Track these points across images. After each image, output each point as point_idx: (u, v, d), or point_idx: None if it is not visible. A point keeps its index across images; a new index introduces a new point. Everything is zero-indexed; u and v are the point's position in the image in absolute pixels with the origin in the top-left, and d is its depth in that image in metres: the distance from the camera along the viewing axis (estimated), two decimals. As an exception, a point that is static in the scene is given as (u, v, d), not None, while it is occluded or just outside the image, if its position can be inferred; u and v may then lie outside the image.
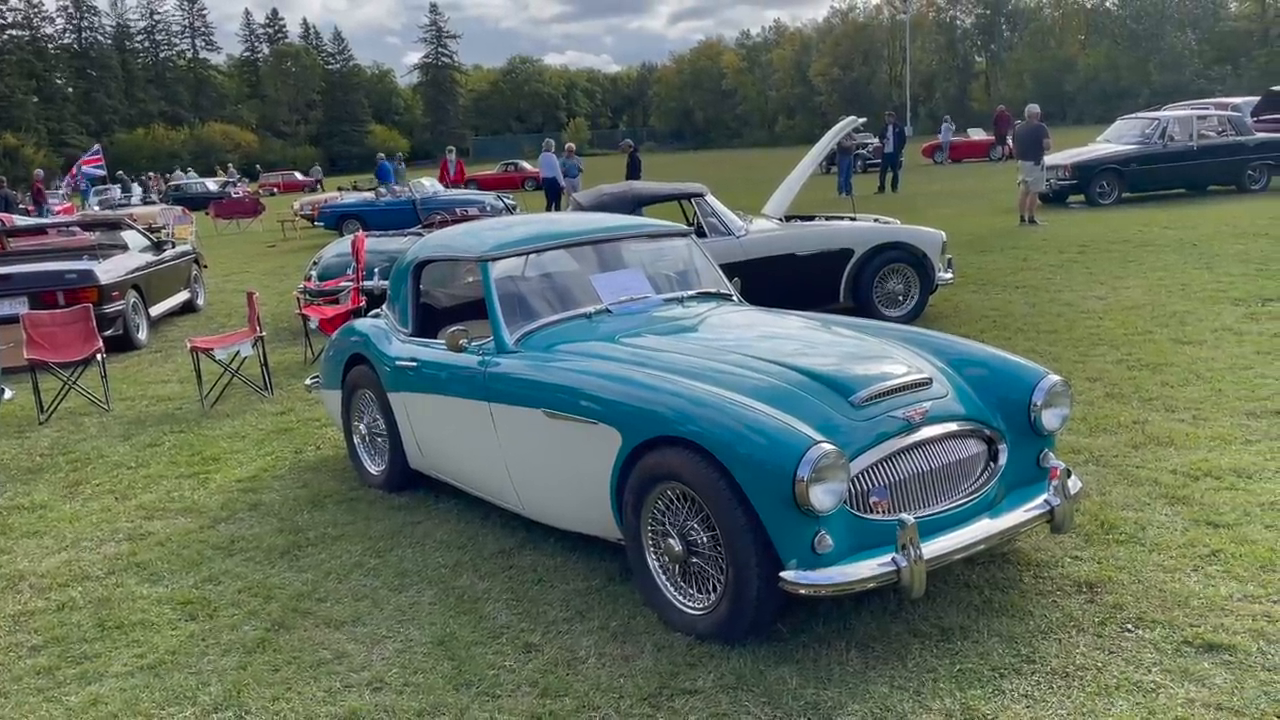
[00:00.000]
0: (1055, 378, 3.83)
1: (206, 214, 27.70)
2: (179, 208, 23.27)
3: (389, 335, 5.14)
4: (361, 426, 5.43)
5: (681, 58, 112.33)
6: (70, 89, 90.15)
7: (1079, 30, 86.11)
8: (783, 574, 3.19)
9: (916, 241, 8.82)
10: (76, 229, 12.64)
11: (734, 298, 4.95)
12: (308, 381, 6.20)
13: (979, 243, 13.50)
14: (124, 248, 11.26)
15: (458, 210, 15.92)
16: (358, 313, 7.91)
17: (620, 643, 3.53)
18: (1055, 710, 2.96)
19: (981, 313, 8.95)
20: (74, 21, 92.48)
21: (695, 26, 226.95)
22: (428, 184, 22.90)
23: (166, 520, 5.14)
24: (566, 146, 22.97)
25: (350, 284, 9.11)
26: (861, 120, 12.35)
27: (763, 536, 3.21)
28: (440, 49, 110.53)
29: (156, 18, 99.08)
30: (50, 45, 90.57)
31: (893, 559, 3.16)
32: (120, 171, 43.67)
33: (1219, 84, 58.90)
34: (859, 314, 7.27)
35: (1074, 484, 3.77)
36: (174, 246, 12.63)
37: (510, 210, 17.54)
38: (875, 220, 9.47)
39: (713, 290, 4.91)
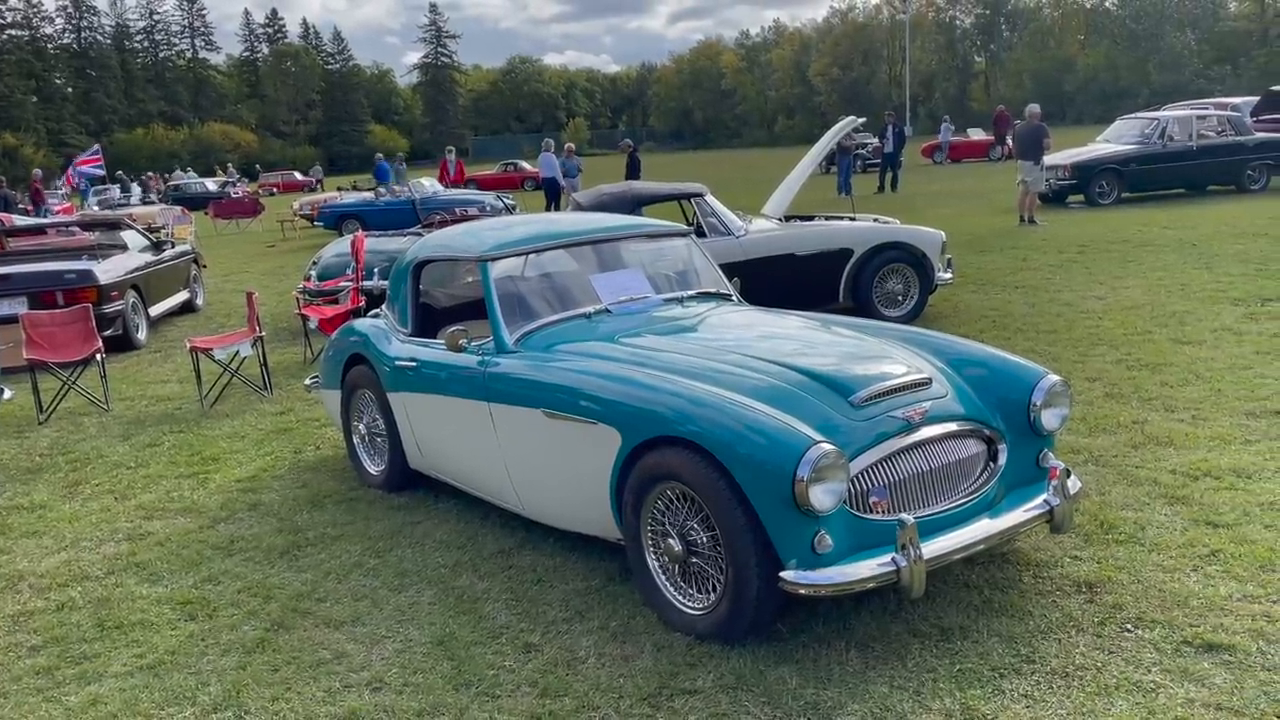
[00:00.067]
0: (1055, 378, 3.83)
1: (206, 214, 27.68)
2: (178, 208, 23.31)
3: (388, 335, 5.14)
4: (361, 426, 5.43)
5: (681, 58, 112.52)
6: (70, 89, 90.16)
7: (1078, 30, 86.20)
8: (782, 574, 3.19)
9: (916, 241, 8.82)
10: (76, 229, 12.63)
11: (733, 298, 4.95)
12: (307, 381, 6.19)
13: (978, 243, 13.50)
14: (123, 248, 11.26)
15: (457, 210, 15.92)
16: (357, 313, 7.90)
17: (620, 643, 3.52)
18: (1055, 710, 2.96)
19: (981, 313, 8.95)
20: (73, 21, 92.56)
21: (695, 26, 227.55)
22: (427, 184, 22.91)
23: (166, 520, 5.14)
24: (566, 146, 22.97)
25: (350, 284, 9.11)
26: (861, 120, 12.33)
27: (762, 536, 3.22)
28: (440, 49, 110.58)
29: (156, 18, 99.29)
30: (50, 45, 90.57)
31: (892, 559, 3.17)
32: (120, 171, 43.65)
33: (1218, 84, 58.98)
34: (858, 314, 7.27)
35: (1073, 484, 3.77)
36: (173, 246, 12.62)
37: (510, 210, 17.54)
38: (875, 220, 9.47)
39: (712, 290, 4.91)
